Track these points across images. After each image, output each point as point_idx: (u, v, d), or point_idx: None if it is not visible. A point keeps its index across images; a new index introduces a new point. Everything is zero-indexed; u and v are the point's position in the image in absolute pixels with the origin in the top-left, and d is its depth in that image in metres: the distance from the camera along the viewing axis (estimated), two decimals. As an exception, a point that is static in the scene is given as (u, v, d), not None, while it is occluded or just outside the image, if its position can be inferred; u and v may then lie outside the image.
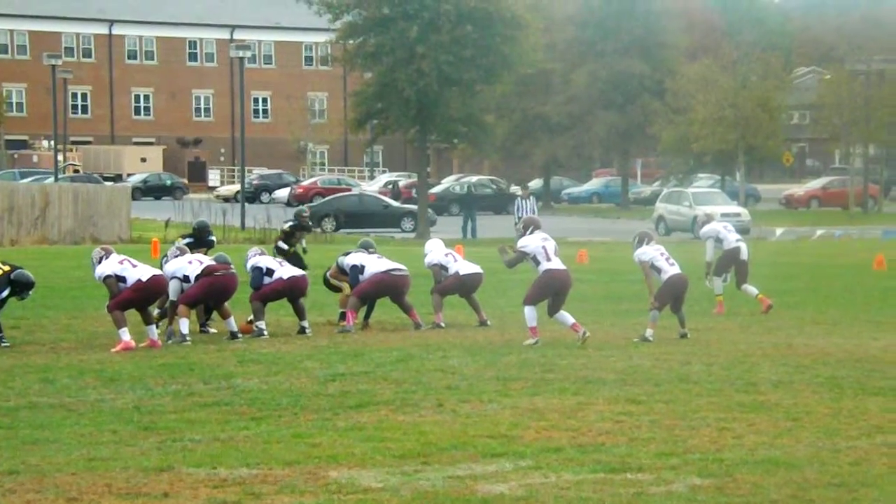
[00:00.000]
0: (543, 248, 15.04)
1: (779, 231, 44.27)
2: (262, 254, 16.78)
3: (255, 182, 72.65)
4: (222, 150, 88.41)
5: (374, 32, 52.70)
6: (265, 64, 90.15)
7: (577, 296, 17.36)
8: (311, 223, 19.23)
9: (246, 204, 50.74)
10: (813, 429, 9.90)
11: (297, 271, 16.56)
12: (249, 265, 16.39)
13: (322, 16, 54.52)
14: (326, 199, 55.64)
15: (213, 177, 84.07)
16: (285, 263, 16.80)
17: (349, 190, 61.95)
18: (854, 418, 10.32)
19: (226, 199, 65.90)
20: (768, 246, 39.91)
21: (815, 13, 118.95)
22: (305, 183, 70.76)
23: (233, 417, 10.60)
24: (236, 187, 63.92)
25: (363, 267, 16.65)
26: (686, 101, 63.46)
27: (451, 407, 10.92)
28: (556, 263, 15.05)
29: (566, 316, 15.10)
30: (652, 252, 15.66)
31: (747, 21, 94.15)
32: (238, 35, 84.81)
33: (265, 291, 16.10)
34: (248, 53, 53.67)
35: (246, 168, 56.86)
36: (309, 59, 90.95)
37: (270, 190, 71.64)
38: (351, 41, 54.24)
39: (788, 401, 11.07)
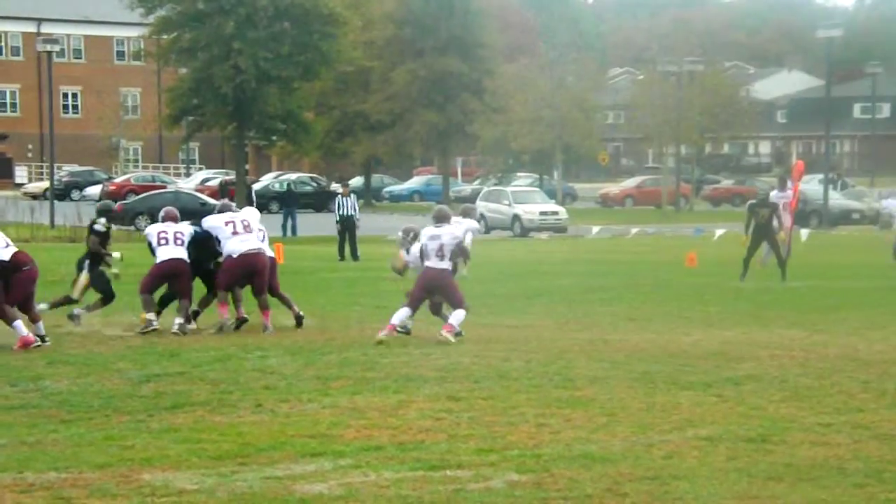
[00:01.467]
0: (424, 247, 15.02)
1: (595, 229, 45.11)
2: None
3: (64, 179, 70.82)
4: (30, 146, 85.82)
5: (188, 27, 51.94)
6: (74, 58, 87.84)
7: (396, 292, 17.35)
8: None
9: (55, 201, 49.45)
10: (628, 423, 10.05)
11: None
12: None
13: (134, 10, 53.47)
14: (141, 196, 54.45)
15: (21, 174, 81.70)
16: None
17: (164, 187, 60.87)
18: (666, 413, 10.51)
19: (34, 197, 64.00)
20: (585, 244, 40.65)
21: (628, 14, 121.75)
22: (118, 180, 69.19)
23: (41, 420, 10.25)
24: (45, 184, 62.15)
25: (217, 235, 15.96)
26: (505, 100, 64.25)
27: (270, 407, 10.76)
28: (434, 263, 14.92)
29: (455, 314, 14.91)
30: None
31: (562, 21, 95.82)
32: (45, 28, 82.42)
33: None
34: (57, 47, 52.16)
35: (55, 165, 55.38)
36: (121, 54, 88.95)
37: (81, 187, 69.91)
38: (165, 36, 53.34)
39: (604, 396, 11.23)
